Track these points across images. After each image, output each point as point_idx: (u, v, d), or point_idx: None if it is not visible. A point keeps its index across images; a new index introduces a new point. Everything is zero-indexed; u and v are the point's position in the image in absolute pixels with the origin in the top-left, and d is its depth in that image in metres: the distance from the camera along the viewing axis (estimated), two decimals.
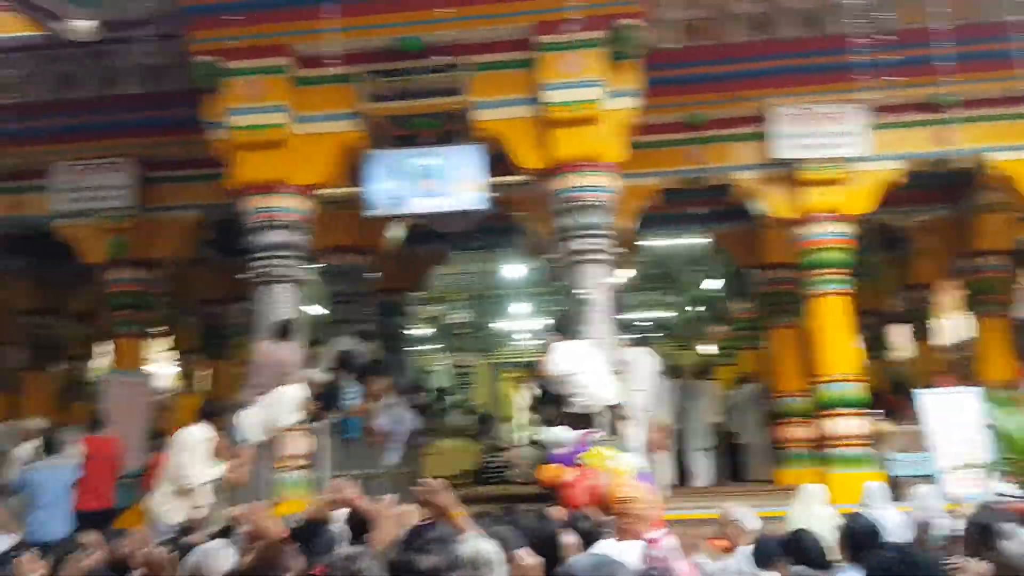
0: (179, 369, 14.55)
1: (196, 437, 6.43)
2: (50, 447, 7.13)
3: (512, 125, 7.57)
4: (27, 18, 7.81)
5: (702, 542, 5.43)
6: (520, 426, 18.83)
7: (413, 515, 3.48)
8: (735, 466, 11.23)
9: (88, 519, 6.47)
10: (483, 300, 18.82)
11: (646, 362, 8.40)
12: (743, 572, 3.90)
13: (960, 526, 3.67)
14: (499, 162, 7.83)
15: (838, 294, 8.89)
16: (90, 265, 9.57)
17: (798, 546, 3.10)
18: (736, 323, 13.74)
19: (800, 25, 8.69)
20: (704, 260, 15.02)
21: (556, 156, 7.41)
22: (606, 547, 4.14)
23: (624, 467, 5.86)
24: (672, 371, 11.03)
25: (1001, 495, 4.66)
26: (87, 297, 12.34)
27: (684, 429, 10.49)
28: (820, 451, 9.10)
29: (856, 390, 8.69)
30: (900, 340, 15.16)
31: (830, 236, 8.83)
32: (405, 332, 12.83)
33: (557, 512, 4.72)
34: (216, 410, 6.81)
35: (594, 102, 7.34)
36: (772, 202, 8.98)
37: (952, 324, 15.12)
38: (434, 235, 10.15)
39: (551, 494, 6.35)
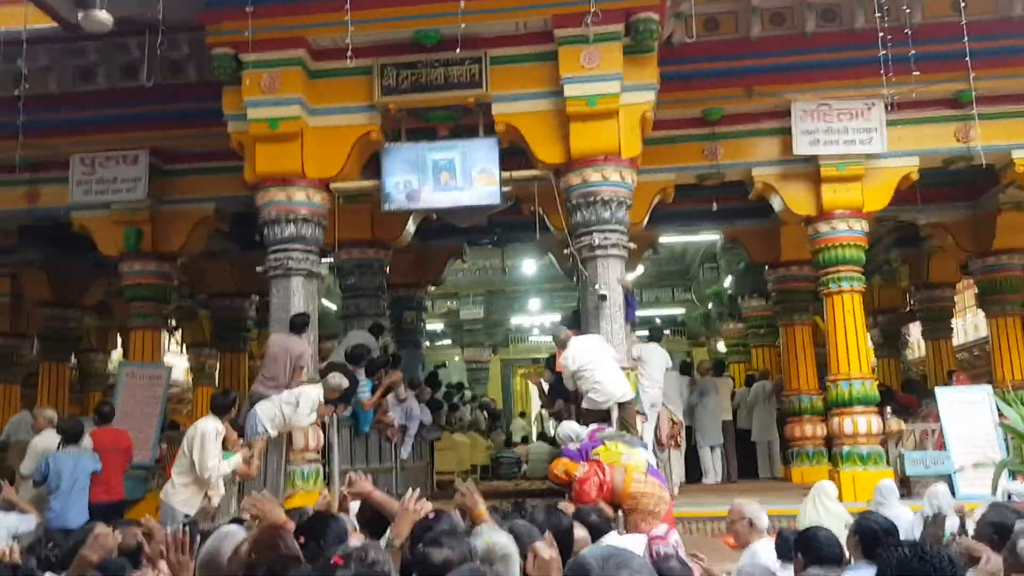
0: (193, 361, 14.66)
1: (211, 428, 6.45)
2: (69, 436, 7.18)
3: (529, 119, 7.54)
4: (45, 11, 7.85)
5: (713, 539, 5.43)
6: (532, 421, 18.85)
7: (430, 509, 3.48)
8: (747, 463, 11.20)
9: (99, 511, 6.50)
10: (497, 296, 18.85)
11: (659, 358, 8.38)
12: (757, 567, 3.88)
13: (972, 523, 3.64)
14: (514, 156, 7.82)
15: (853, 292, 8.83)
16: (106, 257, 9.62)
17: (811, 543, 3.08)
18: (749, 320, 13.70)
19: (819, 19, 8.62)
20: (718, 257, 14.99)
21: (573, 150, 7.37)
22: (614, 541, 4.14)
23: (636, 463, 5.84)
24: (684, 368, 11.02)
25: (1013, 494, 4.61)
26: (103, 289, 12.45)
27: (696, 426, 10.47)
28: (832, 449, 9.07)
29: (868, 388, 8.63)
30: (915, 338, 15.09)
31: (846, 233, 8.76)
32: (418, 326, 12.85)
33: (567, 507, 4.71)
34: (227, 402, 6.83)
35: (612, 96, 7.30)
36: (789, 198, 8.91)
37: (968, 323, 15.03)
38: (449, 230, 10.14)
39: (562, 489, 6.35)
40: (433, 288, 13.99)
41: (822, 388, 9.88)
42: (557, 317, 15.89)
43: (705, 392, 10.70)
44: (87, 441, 7.27)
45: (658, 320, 16.12)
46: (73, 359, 13.29)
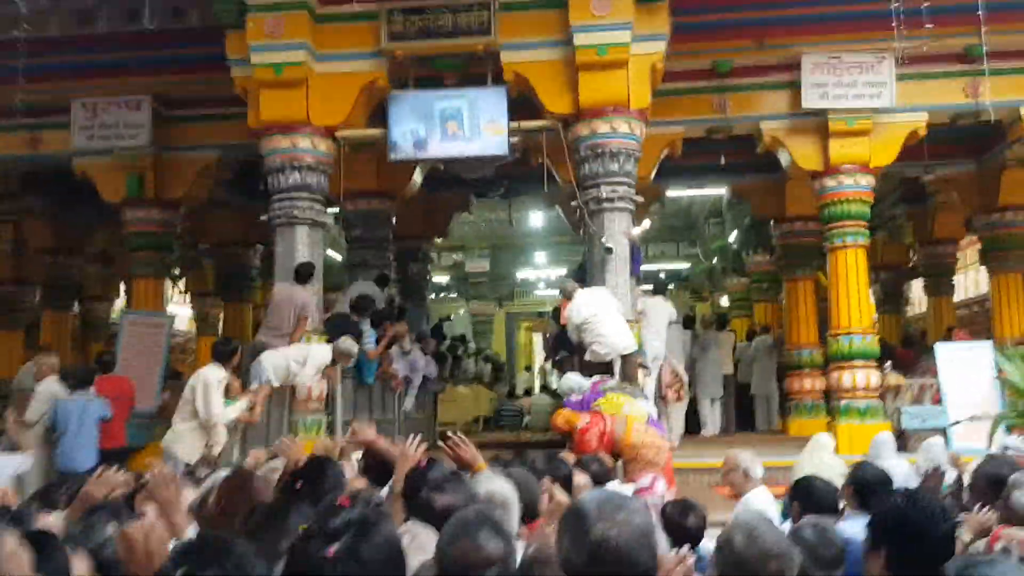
0: (196, 310, 14.71)
1: (214, 376, 6.50)
2: (79, 381, 7.26)
3: (538, 68, 7.45)
4: None
5: (710, 490, 5.50)
6: (535, 374, 18.98)
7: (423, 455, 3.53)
8: (746, 416, 11.31)
9: (101, 458, 6.59)
10: (503, 249, 18.82)
11: (663, 311, 8.41)
12: (751, 514, 3.94)
13: (968, 476, 3.69)
14: (522, 107, 7.75)
15: (857, 247, 8.82)
16: (108, 204, 9.60)
17: (808, 492, 3.13)
18: (753, 275, 13.71)
19: None
20: (723, 212, 14.95)
21: (582, 101, 7.31)
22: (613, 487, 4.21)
23: (637, 414, 5.91)
24: (687, 321, 11.07)
25: (1008, 447, 4.67)
26: (105, 237, 12.43)
27: (696, 379, 10.55)
28: (830, 402, 9.15)
29: (868, 343, 8.67)
30: (916, 294, 15.12)
31: (853, 188, 8.72)
32: (424, 278, 12.86)
33: (568, 456, 4.78)
34: (229, 349, 6.86)
35: (623, 45, 7.21)
36: (797, 153, 8.85)
37: (970, 279, 15.04)
38: (455, 181, 10.09)
39: (564, 440, 6.43)
40: (439, 240, 13.97)
41: (823, 343, 9.95)
42: (563, 271, 15.90)
43: (706, 346, 10.76)
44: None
45: (663, 274, 16.11)
46: (76, 307, 13.33)
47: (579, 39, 7.26)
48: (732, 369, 11.17)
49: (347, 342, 7.34)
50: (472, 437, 3.65)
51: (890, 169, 9.09)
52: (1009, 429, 5.26)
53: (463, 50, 7.61)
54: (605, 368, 6.91)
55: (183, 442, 6.45)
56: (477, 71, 7.76)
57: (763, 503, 4.23)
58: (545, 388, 16.48)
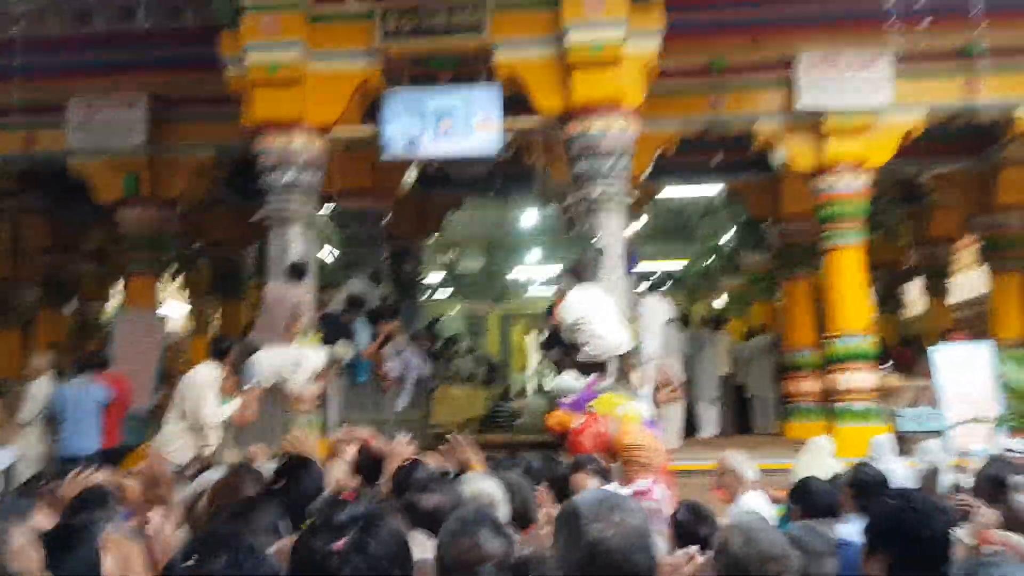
0: (192, 310, 14.66)
1: (205, 376, 6.46)
2: (85, 367, 7.27)
3: (532, 66, 7.43)
4: None
5: (707, 492, 5.47)
6: (530, 374, 18.94)
7: (424, 456, 3.51)
8: (743, 418, 11.27)
9: (96, 457, 6.57)
10: (497, 247, 18.78)
11: (659, 311, 8.37)
12: (747, 515, 3.91)
13: (968, 479, 3.67)
14: (516, 105, 7.72)
15: (853, 247, 8.79)
16: (104, 203, 9.56)
17: (807, 493, 3.10)
18: (749, 275, 13.67)
19: None
20: (719, 211, 14.91)
21: (575, 99, 7.28)
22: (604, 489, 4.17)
23: (632, 414, 5.87)
24: (683, 321, 11.03)
25: (1010, 450, 4.64)
26: (101, 236, 12.39)
27: (693, 380, 10.51)
28: (828, 404, 9.12)
29: (867, 344, 8.64)
30: (914, 295, 15.09)
31: (849, 188, 8.69)
32: (417, 277, 12.82)
33: (560, 456, 4.75)
34: (225, 348, 6.83)
35: (617, 43, 7.19)
36: (793, 152, 8.83)
37: (967, 280, 15.01)
38: (449, 180, 10.07)
39: (558, 441, 6.39)
40: (433, 239, 13.93)
41: (820, 344, 9.92)
42: (558, 269, 15.85)
43: (702, 346, 10.72)
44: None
45: (658, 273, 16.07)
46: (73, 305, 13.28)
47: (572, 37, 7.23)
48: (728, 370, 11.13)
49: (341, 348, 7.30)
50: (465, 438, 3.63)
51: (887, 168, 9.06)
52: (1010, 431, 5.23)
53: (457, 49, 7.59)
54: (600, 368, 6.87)
55: (174, 443, 6.40)
56: (471, 69, 7.74)
57: (756, 506, 4.19)
58: (540, 389, 16.45)
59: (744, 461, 4.32)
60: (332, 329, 7.92)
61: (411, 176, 9.98)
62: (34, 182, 10.94)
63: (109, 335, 10.03)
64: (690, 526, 3.10)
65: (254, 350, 7.17)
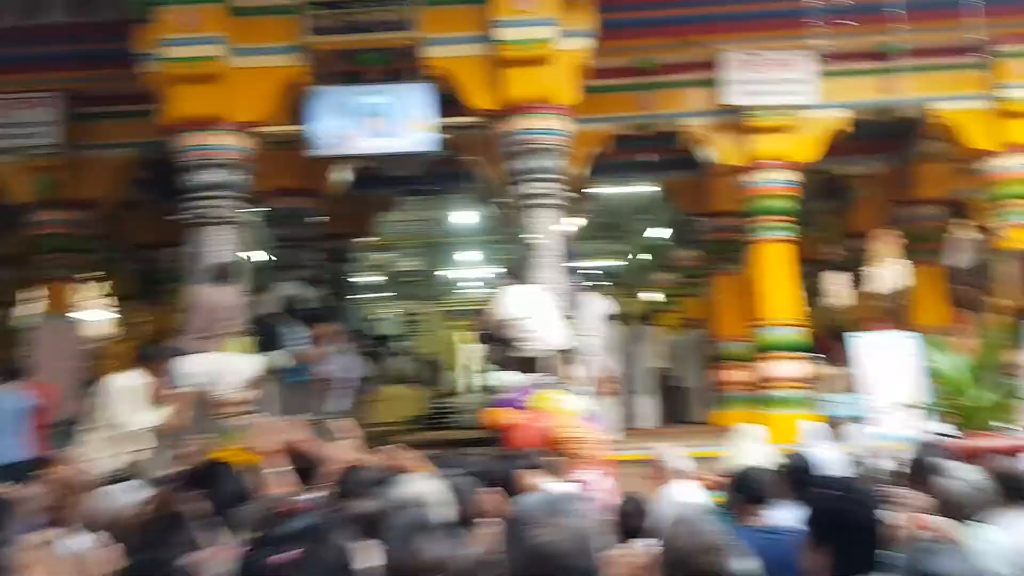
0: (114, 315, 14.19)
1: (130, 382, 6.24)
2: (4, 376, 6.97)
3: (462, 63, 7.39)
4: None
5: (642, 481, 5.53)
6: (468, 372, 18.91)
7: (362, 456, 3.44)
8: (678, 408, 11.44)
9: (15, 467, 6.31)
10: (432, 247, 18.68)
11: (596, 307, 8.42)
12: (674, 507, 3.95)
13: (897, 464, 3.77)
14: (449, 103, 7.67)
15: (781, 241, 8.99)
16: (17, 206, 9.18)
17: (745, 482, 3.15)
18: (681, 270, 13.88)
19: None
20: (651, 208, 15.10)
21: (507, 97, 7.27)
22: (547, 487, 4.16)
23: (570, 409, 5.89)
24: (620, 317, 11.14)
25: (936, 435, 4.80)
26: (16, 240, 11.89)
27: (629, 373, 10.63)
28: (759, 393, 9.32)
29: (795, 334, 8.86)
30: (838, 287, 15.55)
31: (776, 184, 8.90)
32: (352, 278, 12.66)
33: (498, 454, 4.73)
34: (153, 354, 6.62)
35: (547, 41, 7.20)
36: (720, 149, 9.00)
37: (889, 272, 15.53)
38: (382, 179, 9.96)
39: (497, 437, 6.37)
40: (368, 239, 13.78)
41: (749, 335, 10.14)
42: (495, 268, 15.87)
43: (638, 340, 10.85)
44: None
45: (593, 271, 16.21)
46: None
47: (503, 34, 7.22)
48: (664, 363, 11.29)
49: (275, 357, 7.14)
50: (406, 437, 3.59)
51: (811, 165, 9.29)
52: (934, 416, 5.42)
53: (385, 45, 7.50)
54: (537, 365, 6.88)
55: (97, 451, 6.16)
56: (402, 66, 7.65)
57: (686, 496, 4.24)
58: (479, 387, 16.44)
59: (672, 453, 4.36)
60: (266, 332, 7.75)
61: (345, 176, 9.84)
62: None
63: (30, 342, 9.65)
64: (633, 518, 3.11)
65: (184, 355, 6.96)
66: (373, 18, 7.37)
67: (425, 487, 2.63)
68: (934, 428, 5.04)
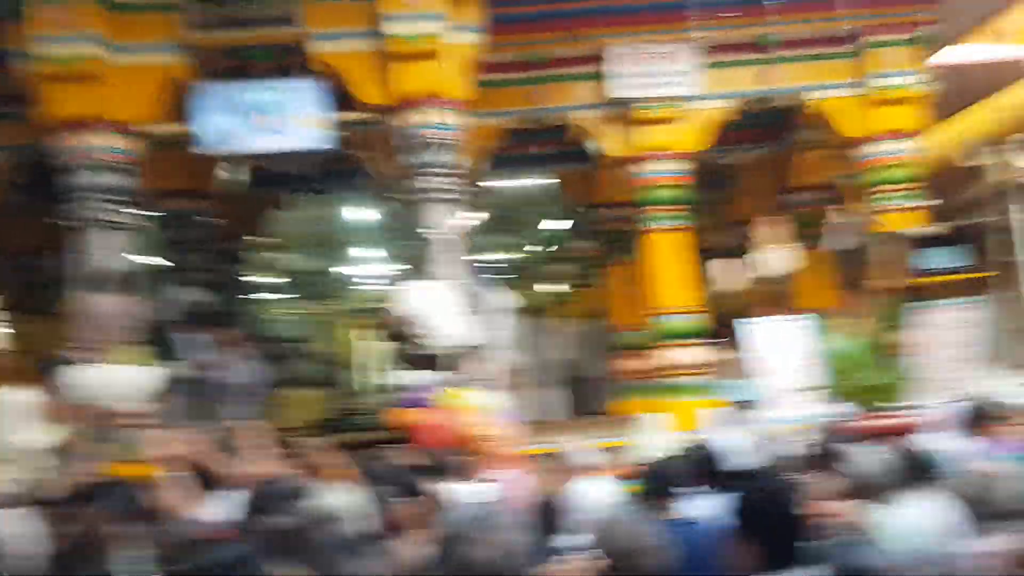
0: None
1: (21, 400, 5.85)
2: None
3: (351, 59, 7.29)
4: None
5: (549, 475, 5.60)
6: (370, 372, 18.66)
7: (268, 469, 3.34)
8: (581, 399, 11.61)
9: None
10: (328, 245, 18.33)
11: (498, 301, 8.43)
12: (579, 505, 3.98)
13: (799, 448, 3.91)
14: (341, 99, 7.54)
15: (672, 230, 9.24)
16: None
17: (659, 474, 3.21)
18: (579, 262, 14.07)
19: None
20: (547, 200, 15.24)
21: (398, 92, 7.22)
22: (455, 488, 4.16)
23: (476, 406, 5.90)
24: (519, 310, 11.21)
25: (833, 416, 5.02)
26: None
27: (533, 366, 10.72)
28: (658, 382, 9.56)
29: (691, 322, 9.12)
30: (726, 274, 16.10)
31: (663, 174, 9.14)
32: (248, 280, 12.28)
33: (406, 455, 4.69)
34: (43, 368, 6.22)
35: (436, 36, 7.17)
36: (608, 141, 9.19)
37: (775, 257, 16.18)
38: (275, 178, 9.68)
39: (403, 437, 6.32)
40: (261, 239, 13.39)
41: (646, 324, 10.38)
42: (393, 265, 15.70)
43: (540, 333, 10.95)
44: None
45: (492, 265, 16.24)
46: None
47: (390, 29, 7.16)
48: (566, 354, 11.43)
49: (174, 368, 6.85)
50: (311, 441, 3.50)
51: (695, 154, 9.57)
52: (828, 398, 5.65)
53: (270, 40, 7.33)
54: (440, 362, 6.85)
55: None
56: (289, 62, 7.49)
57: (592, 491, 4.29)
58: (382, 386, 16.23)
59: (576, 448, 4.40)
60: (161, 341, 7.45)
61: (234, 175, 9.53)
62: None
63: None
64: (549, 515, 3.14)
65: (71, 366, 6.60)
66: (258, 13, 7.17)
67: (343, 499, 2.58)
68: (830, 410, 5.26)
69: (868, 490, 2.96)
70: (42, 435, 5.92)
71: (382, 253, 18.33)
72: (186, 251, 9.87)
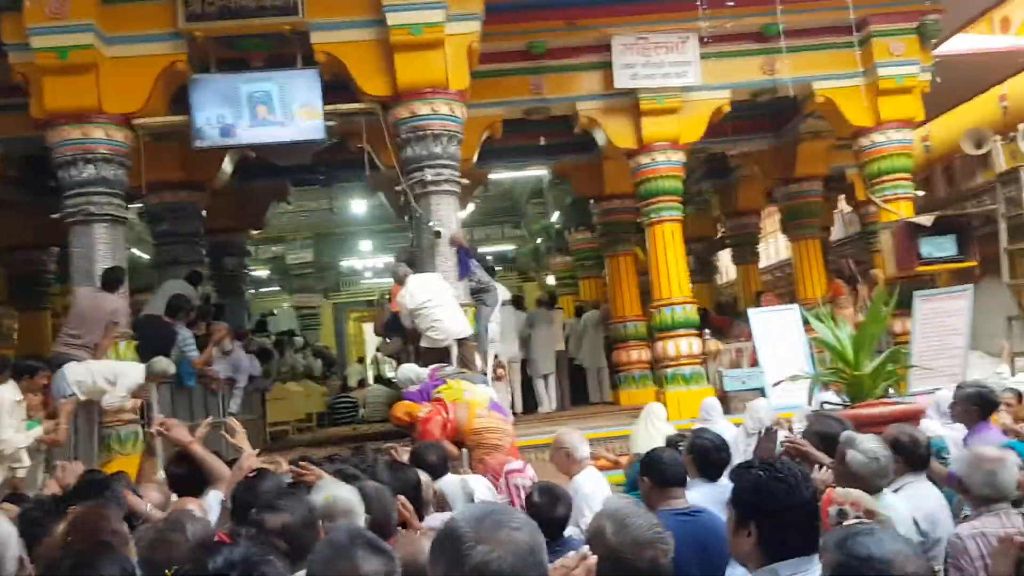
0: None
1: (5, 397, 5.77)
2: None
3: (351, 49, 7.20)
4: None
5: (548, 465, 5.57)
6: (368, 365, 18.64)
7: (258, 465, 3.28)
8: (578, 390, 11.58)
9: None
10: (325, 238, 18.28)
11: (499, 293, 8.39)
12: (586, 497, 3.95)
13: (797, 436, 3.87)
14: (339, 89, 7.47)
15: (672, 221, 9.18)
16: None
17: (657, 465, 3.18)
18: (576, 253, 14.04)
19: None
20: (545, 192, 15.21)
21: (399, 82, 7.13)
22: (450, 479, 4.13)
23: (478, 399, 5.86)
24: (516, 302, 11.18)
25: (826, 403, 5.00)
26: None
27: (529, 357, 10.69)
28: (657, 371, 9.53)
29: (689, 312, 9.07)
30: (725, 264, 16.09)
31: (665, 164, 9.06)
32: (242, 273, 12.23)
33: (401, 451, 4.65)
34: (29, 368, 6.12)
35: (437, 25, 7.09)
36: (611, 132, 9.09)
37: (772, 247, 16.18)
38: (270, 170, 9.61)
39: (403, 431, 6.29)
40: (256, 232, 13.33)
41: (645, 315, 10.34)
42: (389, 258, 15.62)
43: (536, 324, 10.92)
44: None
45: (489, 257, 16.21)
46: None
47: (392, 19, 7.07)
48: (563, 345, 11.40)
49: (163, 363, 6.76)
50: (306, 435, 3.46)
51: (696, 145, 9.52)
52: (825, 385, 5.63)
53: (269, 30, 7.23)
54: (442, 354, 6.81)
55: None
56: (287, 52, 7.40)
57: (592, 483, 4.26)
58: (379, 378, 16.20)
59: (577, 440, 4.36)
60: (151, 334, 7.37)
61: (228, 167, 9.46)
62: None
63: None
64: (546, 508, 3.10)
65: (63, 362, 6.54)
66: (255, 3, 7.08)
67: (331, 491, 2.52)
68: (823, 396, 5.23)
69: (865, 478, 2.94)
70: (28, 435, 5.82)
71: (380, 246, 18.30)
72: (178, 244, 9.79)
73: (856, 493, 2.63)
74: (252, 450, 3.50)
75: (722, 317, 11.96)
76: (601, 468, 4.95)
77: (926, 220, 8.52)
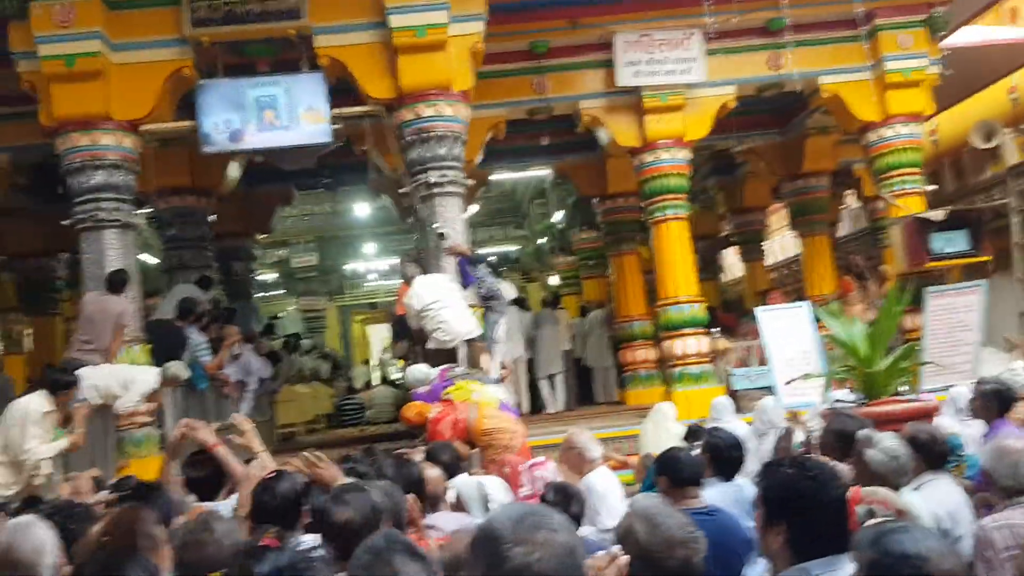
0: None
1: (35, 408, 5.75)
2: None
3: (355, 52, 7.23)
4: None
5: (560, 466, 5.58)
6: (375, 366, 18.67)
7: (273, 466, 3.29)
8: (585, 390, 11.57)
9: None
10: (330, 241, 18.32)
11: (505, 293, 8.40)
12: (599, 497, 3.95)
13: (812, 434, 3.88)
14: (343, 93, 7.49)
15: (678, 219, 9.16)
16: None
17: (674, 464, 3.18)
18: (580, 253, 14.02)
19: None
20: (548, 192, 15.21)
21: (404, 84, 7.15)
22: (465, 480, 4.14)
23: (487, 399, 5.87)
24: (520, 302, 11.17)
25: (839, 400, 4.99)
26: None
27: (534, 357, 10.68)
28: (664, 370, 9.50)
29: (696, 311, 9.04)
30: (731, 261, 16.06)
31: (670, 162, 9.03)
32: (249, 277, 12.27)
33: (414, 453, 4.66)
34: (65, 380, 6.05)
35: (441, 26, 7.11)
36: (615, 130, 9.08)
37: (779, 243, 16.14)
38: (276, 174, 9.63)
39: (411, 432, 6.30)
40: (262, 236, 13.39)
41: (651, 314, 10.31)
42: (394, 261, 15.66)
43: (542, 324, 10.92)
44: None
45: (493, 257, 16.22)
46: None
47: (395, 21, 7.09)
48: (569, 345, 11.38)
49: (176, 367, 6.80)
50: (315, 436, 3.46)
51: (702, 141, 9.49)
52: (836, 383, 5.61)
53: (274, 35, 7.27)
54: (449, 355, 6.82)
55: None
56: (292, 56, 7.43)
57: (605, 483, 4.26)
58: (385, 380, 16.22)
59: (589, 439, 4.36)
60: (162, 338, 7.41)
61: (235, 172, 9.49)
62: None
63: None
64: (559, 507, 3.10)
65: (76, 367, 6.55)
66: (259, 8, 7.11)
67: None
68: (835, 394, 5.21)
69: (885, 476, 2.93)
70: (54, 446, 5.82)
71: (385, 249, 18.33)
72: (186, 249, 9.83)
73: (884, 492, 2.63)
74: (262, 447, 3.51)
75: (730, 315, 11.92)
76: (614, 467, 4.97)
77: (939, 215, 8.47)
